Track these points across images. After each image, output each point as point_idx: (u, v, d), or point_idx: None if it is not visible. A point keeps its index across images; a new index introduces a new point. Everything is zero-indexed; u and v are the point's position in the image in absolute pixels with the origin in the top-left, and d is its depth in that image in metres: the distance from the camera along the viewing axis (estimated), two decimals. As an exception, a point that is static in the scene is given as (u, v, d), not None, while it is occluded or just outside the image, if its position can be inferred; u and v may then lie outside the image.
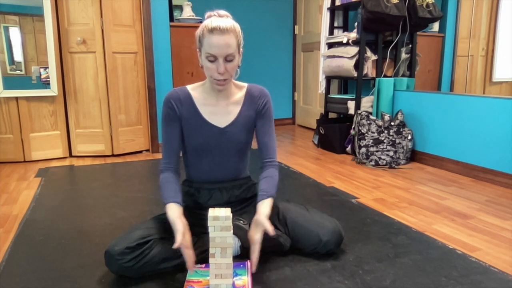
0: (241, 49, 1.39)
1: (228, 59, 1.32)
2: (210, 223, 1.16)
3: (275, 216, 1.49)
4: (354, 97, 3.25)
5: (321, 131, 3.43)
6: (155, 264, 1.31)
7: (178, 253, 1.34)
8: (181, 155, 1.51)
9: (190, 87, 1.48)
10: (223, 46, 1.29)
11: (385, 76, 3.21)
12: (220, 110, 1.45)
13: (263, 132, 1.49)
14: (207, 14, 1.37)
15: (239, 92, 1.49)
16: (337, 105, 3.40)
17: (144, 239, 1.30)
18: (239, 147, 1.48)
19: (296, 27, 4.62)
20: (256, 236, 1.29)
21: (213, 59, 1.31)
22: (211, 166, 1.48)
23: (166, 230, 1.38)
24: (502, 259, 1.47)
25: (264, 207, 1.34)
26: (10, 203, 2.13)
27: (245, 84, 1.51)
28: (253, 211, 1.51)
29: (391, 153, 2.85)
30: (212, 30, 1.29)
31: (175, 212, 1.30)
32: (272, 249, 1.44)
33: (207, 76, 1.38)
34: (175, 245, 1.21)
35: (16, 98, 2.94)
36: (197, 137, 1.45)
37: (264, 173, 1.46)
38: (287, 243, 1.45)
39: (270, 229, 1.26)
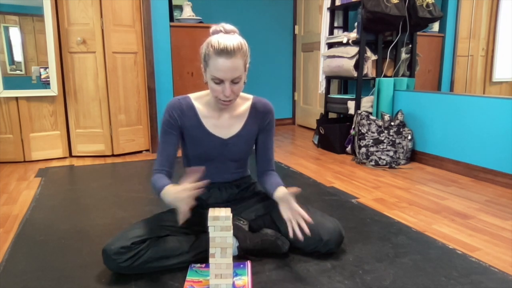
0: (247, 66, 1.35)
1: (234, 81, 1.29)
2: (210, 223, 1.16)
3: (276, 215, 1.49)
4: (354, 97, 3.25)
5: (321, 131, 3.43)
6: (153, 263, 1.31)
7: (176, 252, 1.34)
8: (180, 154, 1.52)
9: (193, 97, 1.46)
10: (230, 70, 1.25)
11: (385, 76, 3.21)
12: (223, 123, 1.45)
13: (265, 147, 1.54)
14: (213, 28, 1.32)
15: (243, 104, 1.48)
16: (337, 105, 3.40)
17: (140, 238, 1.30)
18: (239, 156, 1.50)
19: (296, 27, 4.62)
20: (294, 206, 1.32)
21: (218, 81, 1.28)
22: (211, 171, 1.49)
23: (163, 228, 1.38)
24: (502, 259, 1.47)
25: (281, 190, 1.40)
26: (10, 203, 2.13)
27: (250, 97, 1.50)
28: (253, 210, 1.52)
29: (391, 153, 2.85)
30: (219, 53, 1.24)
31: (171, 190, 1.25)
32: (270, 251, 1.44)
33: (212, 95, 1.35)
34: (181, 221, 1.20)
35: (16, 98, 2.94)
36: (199, 147, 1.45)
37: (269, 175, 1.53)
38: (286, 245, 1.45)
39: (296, 189, 1.33)
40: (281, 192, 1.38)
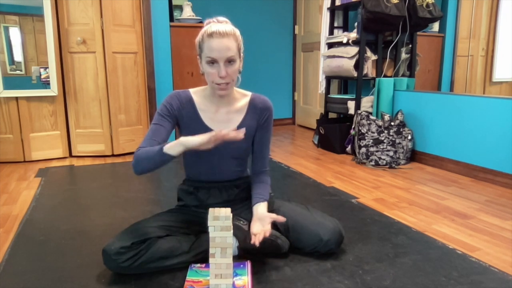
0: (241, 54, 1.39)
1: (229, 61, 1.31)
2: (210, 223, 1.16)
3: (276, 214, 1.49)
4: (354, 97, 3.25)
5: (321, 131, 3.43)
6: (153, 263, 1.32)
7: (176, 252, 1.35)
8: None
9: (192, 91, 1.48)
10: (223, 49, 1.29)
11: (385, 76, 3.21)
12: (221, 118, 1.45)
13: (261, 144, 1.52)
14: (206, 21, 1.38)
15: (242, 99, 1.48)
16: (337, 105, 3.40)
17: (140, 238, 1.30)
18: (238, 154, 1.49)
19: (296, 27, 4.62)
20: (266, 228, 1.33)
21: (213, 62, 1.31)
22: (210, 168, 1.49)
23: (163, 228, 1.38)
24: (502, 259, 1.47)
25: (262, 208, 1.40)
26: (10, 203, 2.13)
27: (249, 93, 1.50)
28: (252, 211, 1.52)
29: (391, 153, 2.85)
30: (211, 34, 1.30)
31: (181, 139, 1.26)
32: (270, 251, 1.44)
33: (209, 82, 1.37)
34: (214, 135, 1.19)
35: (16, 98, 2.94)
36: None
37: (258, 179, 1.52)
38: (286, 245, 1.45)
39: (281, 218, 1.35)
40: (261, 212, 1.38)
